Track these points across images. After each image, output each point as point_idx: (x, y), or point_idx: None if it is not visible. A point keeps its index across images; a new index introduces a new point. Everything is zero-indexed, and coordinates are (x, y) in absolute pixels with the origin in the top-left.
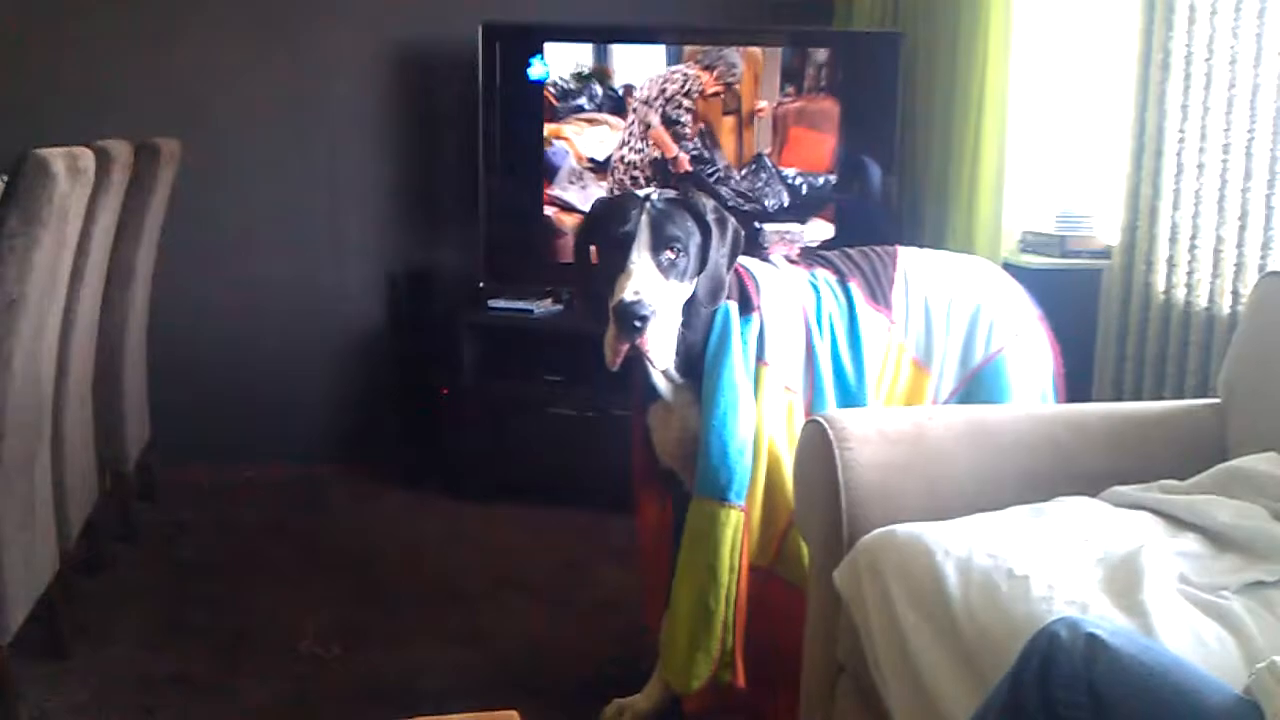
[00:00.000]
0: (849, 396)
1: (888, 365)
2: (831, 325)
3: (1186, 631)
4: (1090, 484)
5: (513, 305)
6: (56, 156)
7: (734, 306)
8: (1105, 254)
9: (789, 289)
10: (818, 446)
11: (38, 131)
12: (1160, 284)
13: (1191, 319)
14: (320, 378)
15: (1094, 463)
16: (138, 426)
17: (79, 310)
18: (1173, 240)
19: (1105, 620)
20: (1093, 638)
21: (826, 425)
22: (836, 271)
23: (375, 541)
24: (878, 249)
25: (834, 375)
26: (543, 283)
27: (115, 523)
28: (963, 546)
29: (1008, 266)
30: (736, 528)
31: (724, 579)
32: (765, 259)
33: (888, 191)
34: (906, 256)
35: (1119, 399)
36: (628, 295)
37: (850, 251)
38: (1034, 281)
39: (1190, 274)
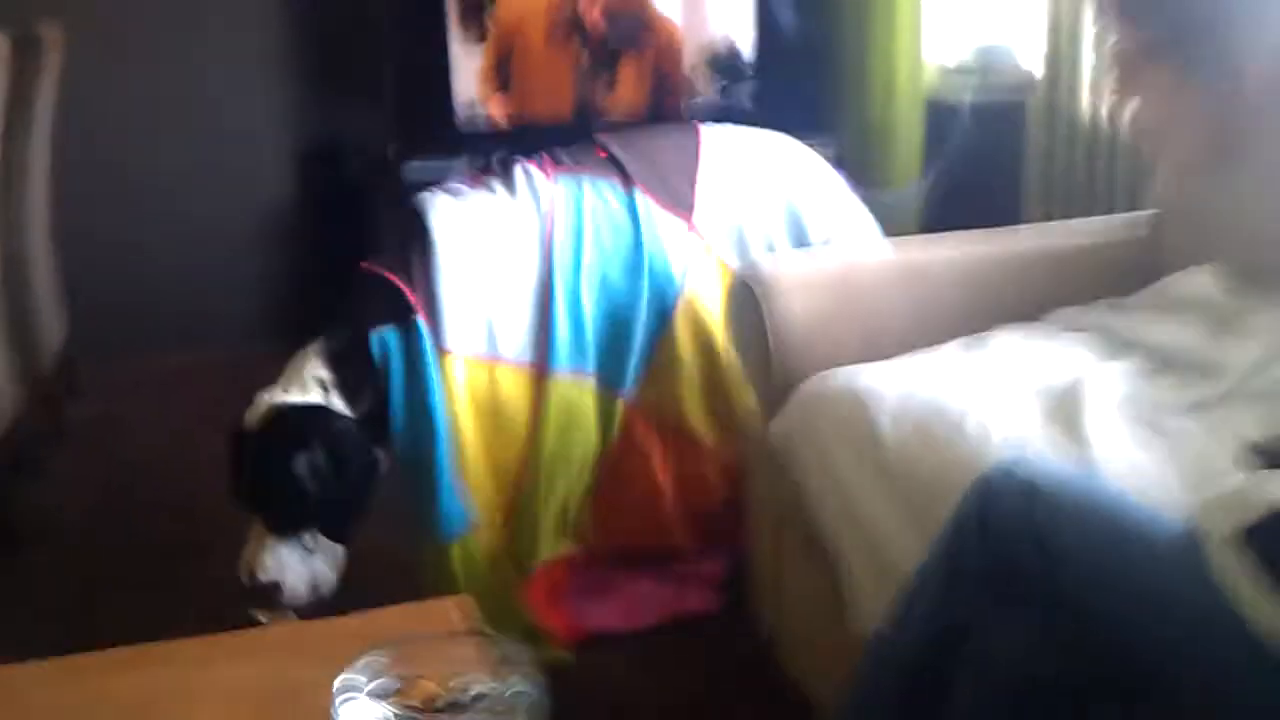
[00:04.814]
0: (617, 328)
1: (692, 278)
2: (601, 244)
3: (1128, 458)
4: (1029, 311)
5: (426, 172)
6: None
7: None
8: (1029, 84)
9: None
10: (745, 303)
11: None
12: (1086, 111)
13: (1119, 144)
14: (238, 261)
15: (1031, 290)
16: (52, 322)
17: None
18: (1096, 66)
19: (1043, 461)
20: (1030, 484)
21: (751, 280)
22: (620, 174)
23: None
24: (677, 131)
25: (598, 310)
26: (455, 145)
27: (43, 423)
28: (897, 388)
29: (929, 103)
30: None
31: None
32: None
33: (802, 33)
34: (711, 141)
35: None
36: None
37: (644, 138)
38: (957, 115)
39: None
